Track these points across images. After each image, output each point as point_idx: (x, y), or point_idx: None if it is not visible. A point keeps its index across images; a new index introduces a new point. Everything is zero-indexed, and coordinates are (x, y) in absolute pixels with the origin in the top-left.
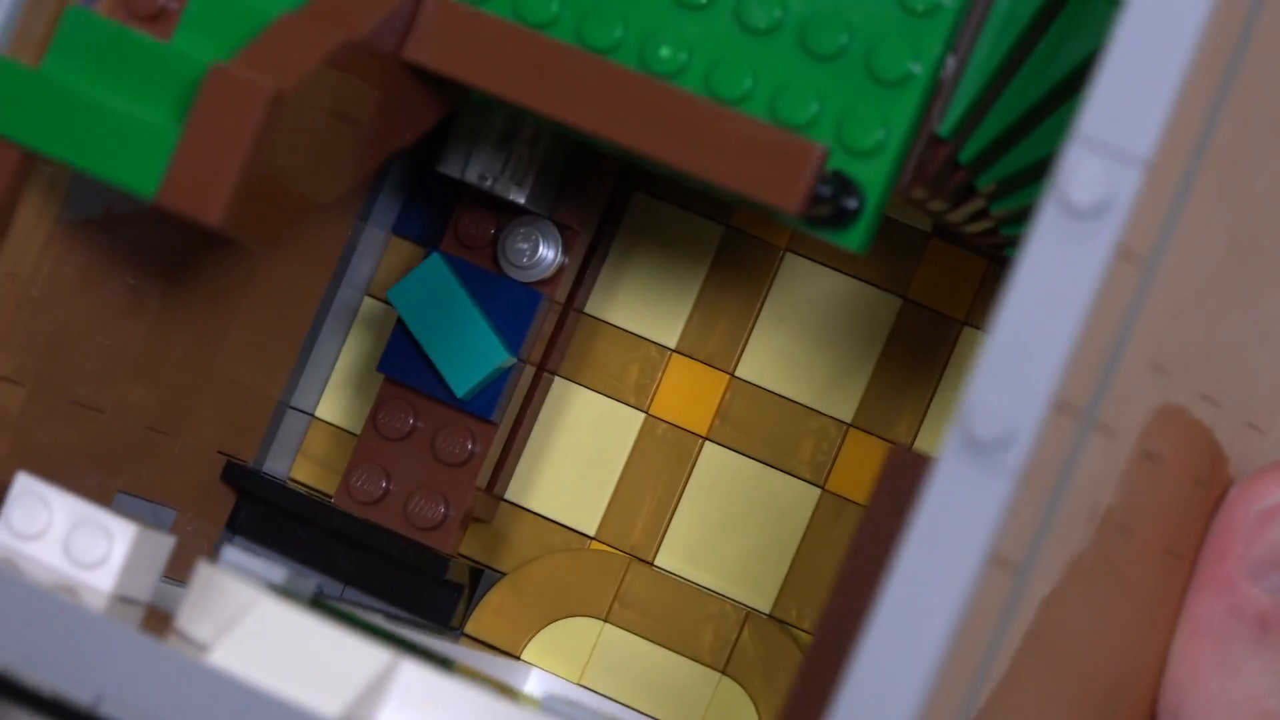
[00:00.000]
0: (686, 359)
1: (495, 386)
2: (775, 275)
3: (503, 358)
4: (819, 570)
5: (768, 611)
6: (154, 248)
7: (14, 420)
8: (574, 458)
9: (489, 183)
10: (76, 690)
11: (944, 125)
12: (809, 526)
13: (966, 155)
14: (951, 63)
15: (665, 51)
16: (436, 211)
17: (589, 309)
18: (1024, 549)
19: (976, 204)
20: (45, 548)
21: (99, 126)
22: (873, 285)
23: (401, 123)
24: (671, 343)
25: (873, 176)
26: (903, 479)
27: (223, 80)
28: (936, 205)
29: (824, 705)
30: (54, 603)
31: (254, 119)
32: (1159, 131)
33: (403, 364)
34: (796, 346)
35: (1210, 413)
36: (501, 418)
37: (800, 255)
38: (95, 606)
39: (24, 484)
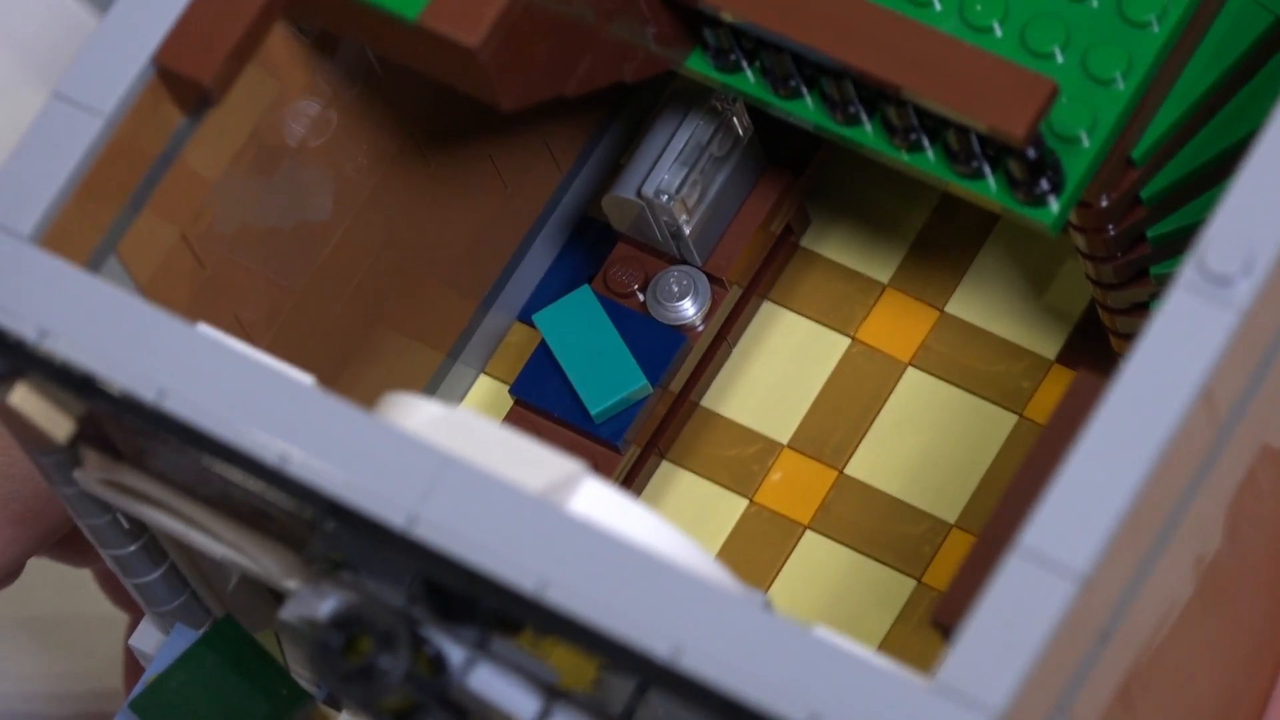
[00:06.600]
0: (797, 453)
1: (628, 414)
2: (895, 386)
3: (640, 384)
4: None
5: None
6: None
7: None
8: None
9: (665, 199)
10: None
11: (1137, 150)
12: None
13: (1139, 153)
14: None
15: None
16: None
17: (705, 401)
18: (1230, 403)
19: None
20: None
21: None
22: (987, 401)
23: (633, 52)
24: (785, 439)
25: (1074, 165)
26: (1085, 395)
27: None
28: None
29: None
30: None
31: None
32: None
33: (536, 387)
34: (904, 448)
35: None
36: (627, 449)
37: (918, 369)
38: None
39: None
